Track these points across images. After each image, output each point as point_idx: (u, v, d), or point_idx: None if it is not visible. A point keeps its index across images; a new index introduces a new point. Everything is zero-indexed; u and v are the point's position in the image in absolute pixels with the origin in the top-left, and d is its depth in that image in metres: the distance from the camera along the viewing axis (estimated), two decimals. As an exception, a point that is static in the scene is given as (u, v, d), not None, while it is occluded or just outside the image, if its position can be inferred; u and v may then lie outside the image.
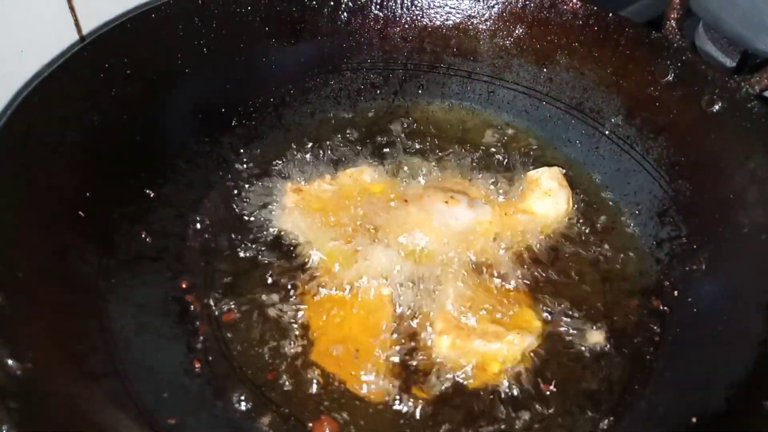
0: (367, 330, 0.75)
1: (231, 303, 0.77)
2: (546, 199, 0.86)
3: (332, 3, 0.97)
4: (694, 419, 0.65)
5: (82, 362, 0.62)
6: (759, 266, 0.74)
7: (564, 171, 0.91)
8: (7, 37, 0.89)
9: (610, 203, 0.92)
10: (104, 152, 0.78)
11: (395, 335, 0.75)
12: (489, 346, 0.73)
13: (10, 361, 0.53)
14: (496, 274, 0.81)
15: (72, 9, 0.94)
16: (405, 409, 0.70)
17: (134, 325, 0.70)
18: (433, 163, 0.95)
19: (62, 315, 0.64)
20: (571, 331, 0.77)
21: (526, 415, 0.70)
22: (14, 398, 0.50)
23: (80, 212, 0.72)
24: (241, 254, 0.82)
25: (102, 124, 0.78)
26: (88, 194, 0.74)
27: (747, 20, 1.09)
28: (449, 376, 0.72)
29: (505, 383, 0.72)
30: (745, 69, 1.22)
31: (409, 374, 0.73)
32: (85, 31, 0.96)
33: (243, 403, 0.69)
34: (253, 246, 0.83)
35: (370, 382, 0.71)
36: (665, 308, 0.80)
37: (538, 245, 0.84)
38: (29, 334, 0.58)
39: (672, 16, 0.91)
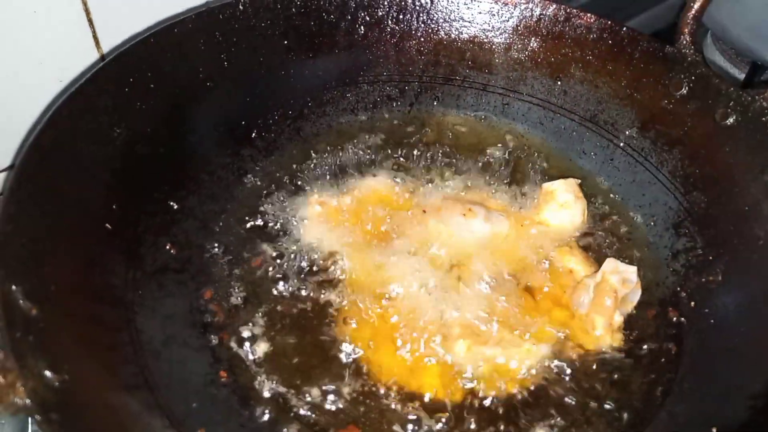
0: (395, 336, 0.77)
1: (254, 313, 0.78)
2: (562, 211, 0.87)
3: (349, 17, 0.98)
4: (714, 430, 0.66)
5: (114, 374, 0.63)
6: (774, 278, 0.75)
7: (579, 182, 0.92)
8: (26, 49, 0.91)
9: (625, 215, 0.93)
10: (129, 165, 0.79)
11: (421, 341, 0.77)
12: (505, 353, 0.74)
13: (48, 373, 0.54)
14: (512, 284, 0.82)
15: (91, 23, 0.95)
16: (419, 413, 0.71)
17: (162, 336, 0.71)
18: (450, 175, 0.96)
19: (93, 328, 0.65)
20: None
21: (541, 425, 0.71)
22: (55, 410, 0.51)
23: (108, 225, 0.73)
24: (264, 265, 0.83)
25: (127, 138, 0.79)
26: (114, 207, 0.75)
27: (756, 32, 1.11)
28: (465, 381, 0.74)
29: (521, 391, 0.74)
30: (755, 80, 1.23)
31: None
32: (103, 42, 0.97)
33: (268, 413, 0.70)
34: (276, 257, 0.84)
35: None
36: (682, 319, 0.81)
37: (553, 257, 0.85)
38: (64, 347, 0.59)
39: (686, 30, 0.92)
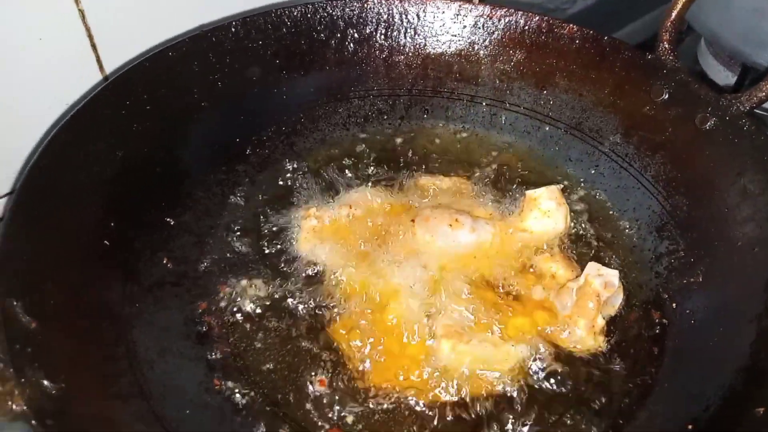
0: (388, 341, 0.79)
1: (249, 323, 0.81)
2: (545, 219, 0.89)
3: (339, 35, 1.02)
4: (689, 426, 0.68)
5: (110, 384, 0.67)
6: (752, 278, 0.77)
7: (562, 187, 0.94)
8: (32, 74, 0.95)
9: (611, 219, 0.95)
10: (127, 185, 0.83)
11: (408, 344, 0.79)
12: (488, 353, 0.76)
13: (45, 382, 0.58)
14: (496, 289, 0.84)
15: (94, 47, 0.99)
16: (406, 414, 0.74)
17: (157, 347, 0.75)
18: (440, 185, 0.98)
19: (91, 340, 0.69)
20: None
21: (523, 425, 0.73)
22: (51, 417, 0.55)
23: (105, 242, 0.77)
24: (258, 277, 0.86)
25: (125, 159, 0.83)
26: (112, 224, 0.79)
27: (745, 36, 1.13)
28: (449, 381, 0.76)
29: (504, 392, 0.76)
30: (745, 82, 1.25)
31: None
32: (107, 67, 1.02)
33: (260, 419, 0.73)
34: (270, 269, 0.87)
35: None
36: (664, 321, 0.83)
37: (536, 262, 0.87)
38: (62, 358, 0.63)
39: (665, 38, 0.94)
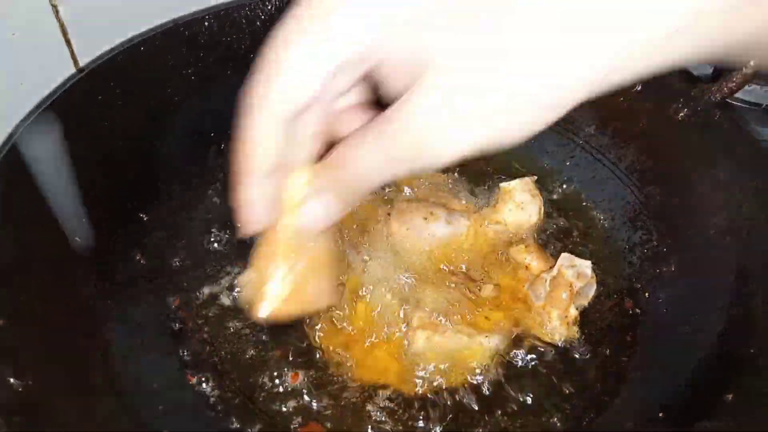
0: (364, 334, 0.80)
1: (221, 319, 0.81)
2: (519, 211, 0.89)
3: (314, 28, 1.01)
4: (660, 414, 0.69)
5: (83, 380, 0.66)
6: (723, 267, 0.77)
7: (536, 178, 0.94)
8: (6, 71, 0.94)
9: (585, 210, 0.96)
10: (101, 179, 0.82)
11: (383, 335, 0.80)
12: (463, 344, 0.77)
13: (11, 380, 0.57)
14: (470, 281, 0.85)
15: (68, 42, 0.98)
16: (381, 407, 0.74)
17: (131, 343, 0.74)
18: (414, 178, 0.98)
19: (63, 336, 0.68)
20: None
21: (498, 415, 0.74)
22: (16, 413, 0.54)
23: (77, 238, 0.76)
24: (232, 272, 0.86)
25: (98, 154, 0.82)
26: (84, 220, 0.78)
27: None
28: (424, 373, 0.76)
29: (478, 382, 0.76)
30: (724, 72, 1.25)
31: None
32: (81, 62, 1.01)
33: (233, 413, 0.73)
34: (245, 264, 0.86)
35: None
36: (637, 310, 0.84)
37: (511, 253, 0.87)
38: (30, 355, 0.62)
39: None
